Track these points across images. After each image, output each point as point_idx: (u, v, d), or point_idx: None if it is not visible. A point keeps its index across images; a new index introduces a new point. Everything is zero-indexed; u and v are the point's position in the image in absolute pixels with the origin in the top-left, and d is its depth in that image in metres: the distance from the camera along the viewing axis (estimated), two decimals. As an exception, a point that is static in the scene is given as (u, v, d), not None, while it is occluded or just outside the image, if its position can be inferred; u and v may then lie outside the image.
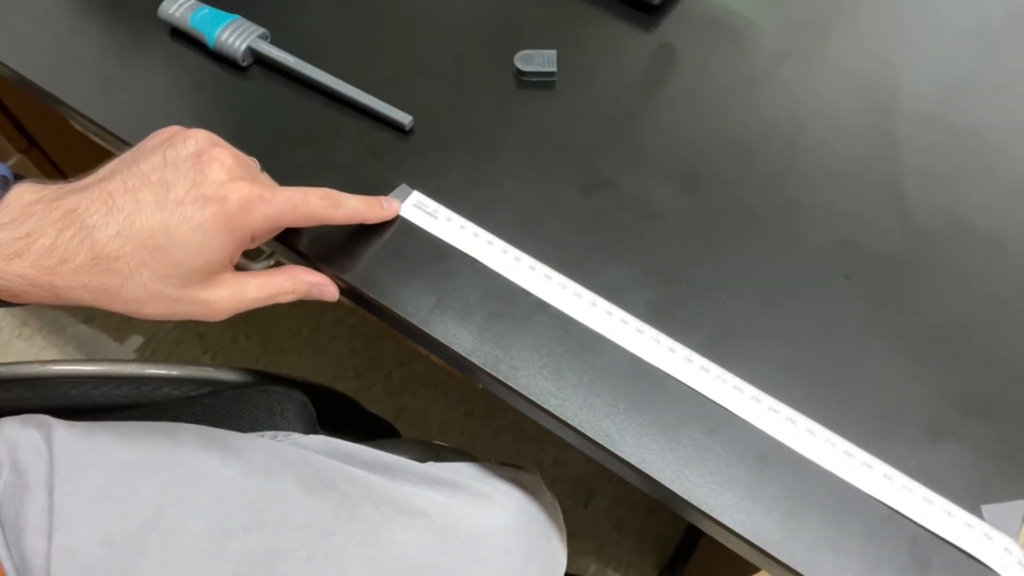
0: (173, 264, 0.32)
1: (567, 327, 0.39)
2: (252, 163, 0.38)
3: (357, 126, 0.45)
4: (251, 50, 0.46)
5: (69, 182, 0.33)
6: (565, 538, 0.47)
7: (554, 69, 0.47)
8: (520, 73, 0.47)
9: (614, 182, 0.44)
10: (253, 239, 0.36)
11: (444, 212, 0.42)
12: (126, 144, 0.45)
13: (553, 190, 0.43)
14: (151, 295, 0.32)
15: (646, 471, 0.35)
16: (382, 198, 0.41)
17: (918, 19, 0.53)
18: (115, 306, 0.32)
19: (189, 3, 0.47)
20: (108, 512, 0.37)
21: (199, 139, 0.35)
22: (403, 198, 0.42)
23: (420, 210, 0.42)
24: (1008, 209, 0.44)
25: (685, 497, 0.34)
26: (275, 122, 0.45)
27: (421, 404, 1.09)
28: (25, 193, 0.32)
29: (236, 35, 0.45)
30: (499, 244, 0.41)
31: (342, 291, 0.41)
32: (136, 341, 1.16)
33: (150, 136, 0.36)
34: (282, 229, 0.39)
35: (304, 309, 1.15)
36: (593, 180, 0.44)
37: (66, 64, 0.48)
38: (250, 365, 1.15)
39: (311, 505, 0.39)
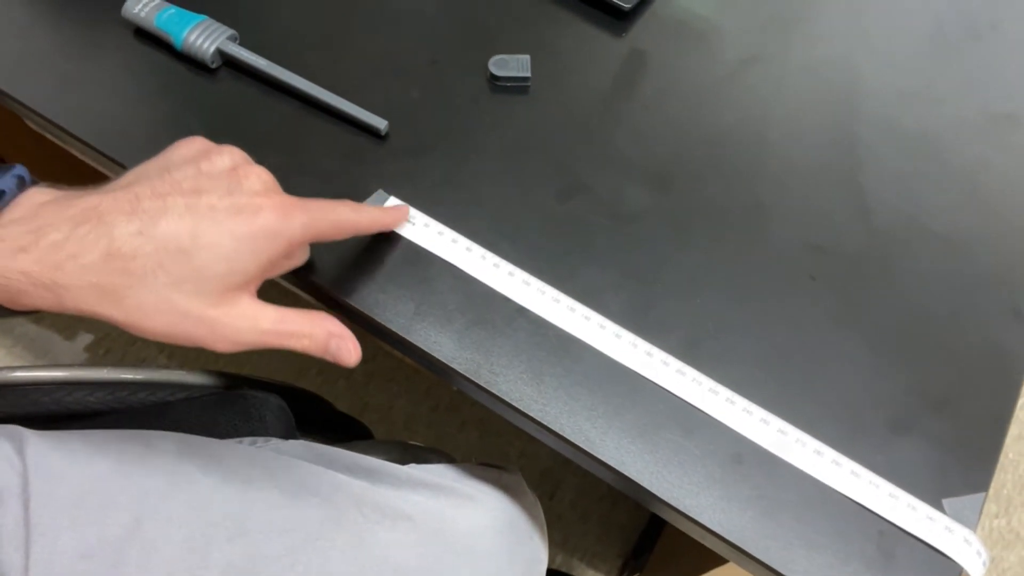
0: (193, 268, 0.30)
1: (546, 332, 0.39)
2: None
3: (331, 130, 0.45)
4: (220, 52, 0.45)
5: (88, 188, 0.32)
6: (547, 536, 0.48)
7: (528, 74, 0.47)
8: (494, 78, 0.47)
9: (589, 186, 0.44)
10: (288, 256, 0.34)
11: (421, 218, 0.42)
12: (86, 145, 0.44)
13: (529, 195, 0.44)
14: (158, 304, 0.30)
15: (626, 473, 0.36)
16: (390, 208, 0.41)
17: (877, 25, 0.54)
18: (118, 313, 0.30)
19: (154, 3, 0.45)
20: (86, 523, 0.36)
21: (234, 155, 0.34)
22: (380, 203, 0.42)
23: (397, 216, 0.42)
24: (962, 209, 0.46)
25: (664, 498, 0.35)
26: (246, 126, 0.45)
27: (386, 399, 1.08)
28: (39, 195, 0.31)
29: (204, 36, 0.45)
30: (477, 250, 0.41)
31: (317, 297, 0.41)
32: (86, 339, 1.13)
33: (176, 146, 0.35)
34: (314, 241, 0.36)
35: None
36: (568, 184, 0.44)
37: (22, 62, 0.46)
38: (210, 364, 1.13)
39: (294, 512, 0.39)
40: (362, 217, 0.37)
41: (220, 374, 0.49)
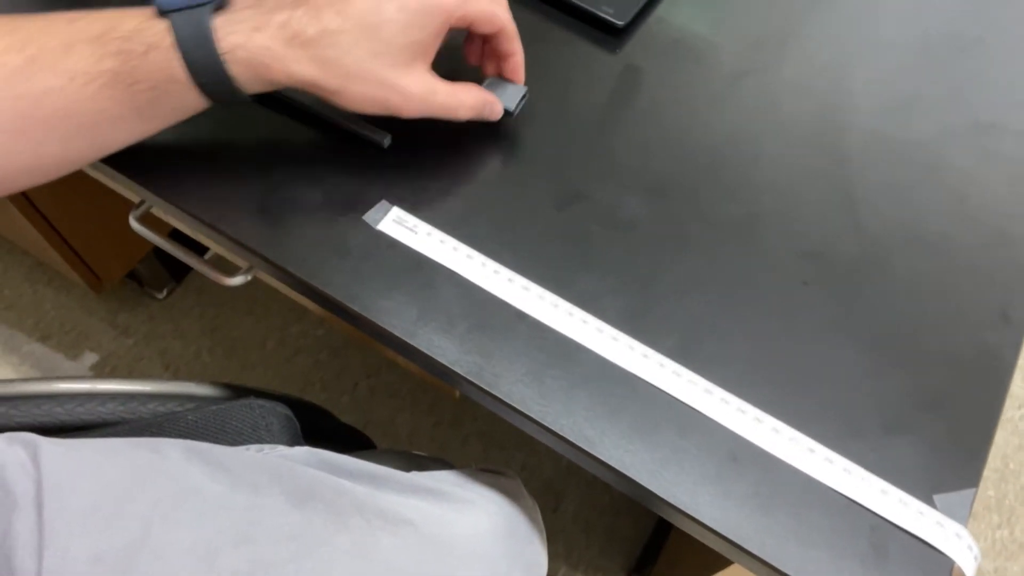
0: (383, 41, 0.38)
1: (546, 336, 0.40)
2: None
3: (335, 145, 0.46)
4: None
5: None
6: (545, 541, 0.49)
7: (525, 89, 0.48)
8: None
9: (586, 195, 0.46)
10: (449, 25, 0.40)
11: (424, 227, 0.43)
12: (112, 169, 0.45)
13: (528, 204, 0.45)
14: (361, 72, 0.38)
15: (625, 472, 0.37)
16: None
17: (867, 40, 0.56)
18: (333, 79, 0.38)
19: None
20: (97, 529, 0.37)
21: None
22: (383, 214, 0.43)
23: (400, 225, 0.43)
24: (950, 216, 0.47)
25: (662, 496, 0.36)
26: (254, 142, 0.46)
27: (389, 414, 1.09)
28: None
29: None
30: (478, 257, 0.42)
31: (323, 304, 0.42)
32: (91, 359, 1.14)
33: None
34: (464, 21, 0.41)
35: (269, 321, 1.15)
36: (566, 194, 0.46)
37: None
38: (214, 380, 1.14)
39: (299, 517, 0.39)
40: (505, 13, 0.43)
41: (227, 386, 0.50)
